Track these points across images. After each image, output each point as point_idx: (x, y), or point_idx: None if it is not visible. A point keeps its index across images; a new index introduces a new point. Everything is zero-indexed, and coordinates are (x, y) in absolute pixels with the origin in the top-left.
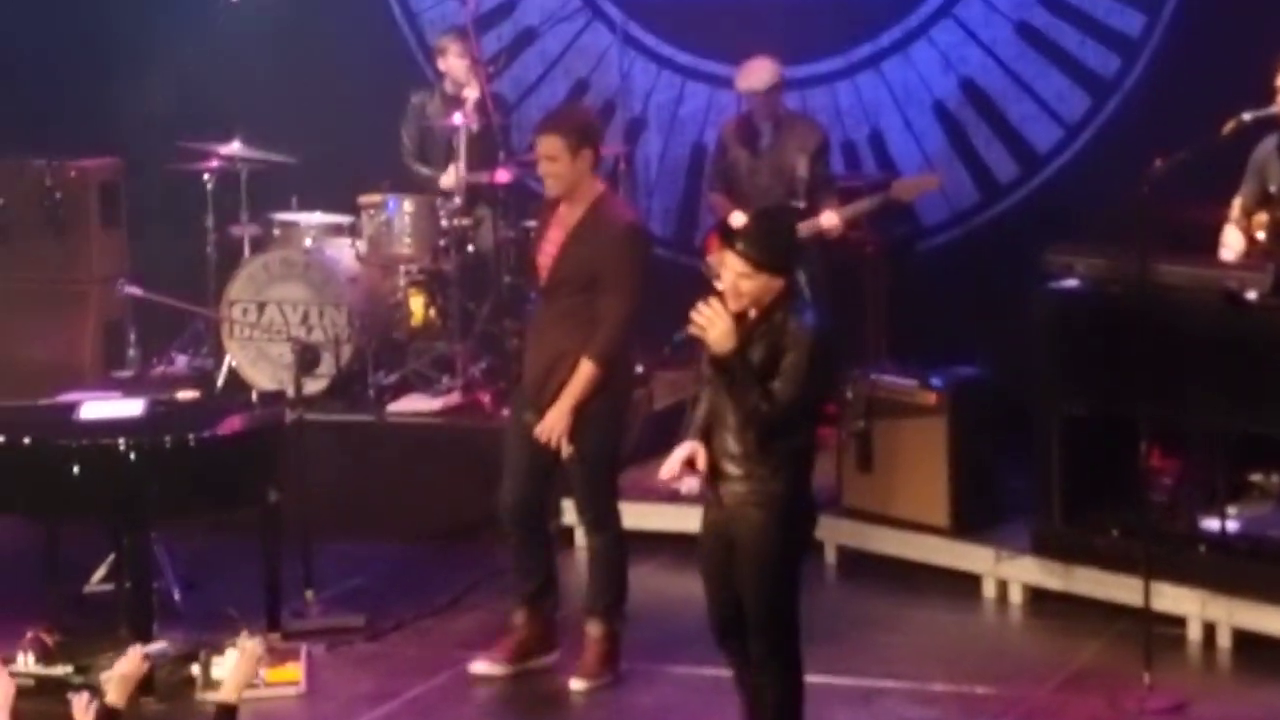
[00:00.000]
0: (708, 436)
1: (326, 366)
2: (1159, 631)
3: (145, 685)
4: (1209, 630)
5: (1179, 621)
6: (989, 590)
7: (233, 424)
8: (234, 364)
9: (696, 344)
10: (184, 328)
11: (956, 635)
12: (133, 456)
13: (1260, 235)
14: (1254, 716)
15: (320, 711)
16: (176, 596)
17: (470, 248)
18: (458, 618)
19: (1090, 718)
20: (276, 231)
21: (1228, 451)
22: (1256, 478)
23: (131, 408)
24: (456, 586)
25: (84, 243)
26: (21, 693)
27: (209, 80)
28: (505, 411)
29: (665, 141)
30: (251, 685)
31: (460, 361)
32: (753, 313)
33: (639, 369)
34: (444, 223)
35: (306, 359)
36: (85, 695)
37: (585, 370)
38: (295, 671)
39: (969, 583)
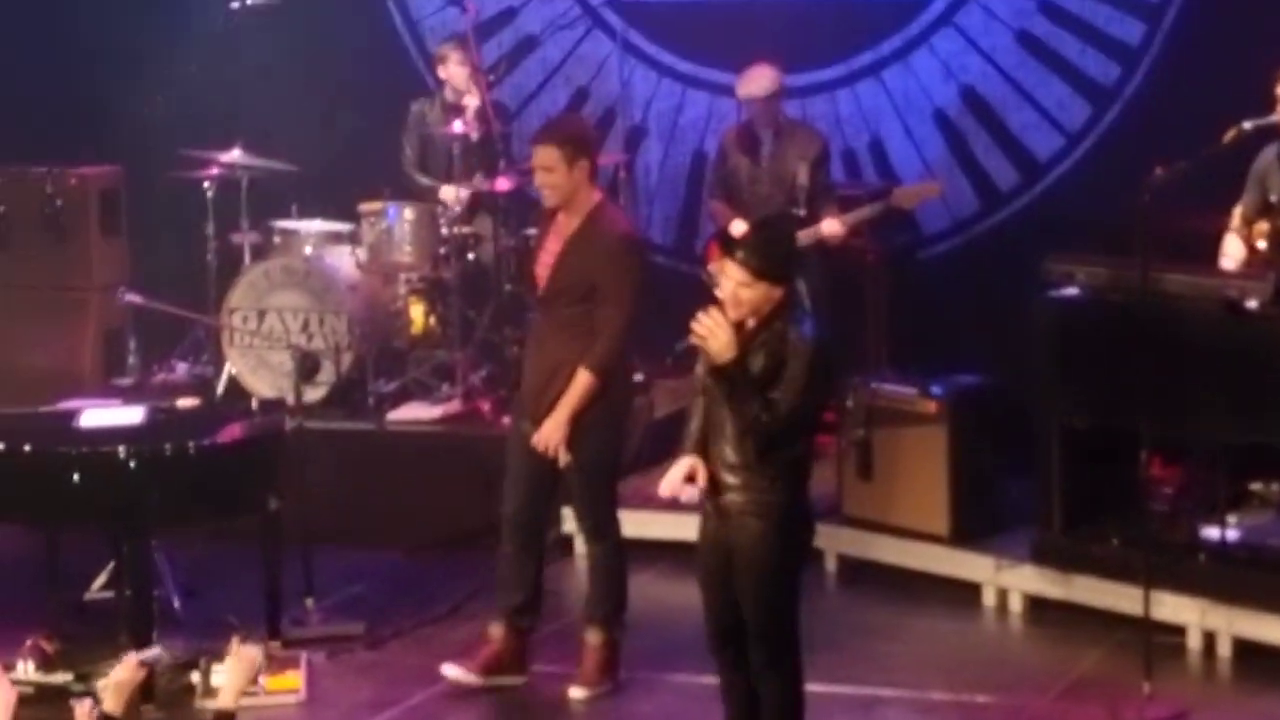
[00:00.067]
0: (704, 448)
1: (327, 374)
2: (1159, 640)
3: (146, 693)
4: (1209, 639)
5: (1179, 630)
6: (989, 599)
7: (233, 432)
8: (234, 372)
9: (693, 354)
10: (184, 335)
11: (956, 644)
12: (133, 464)
13: (1261, 244)
14: None
15: (320, 719)
16: (177, 604)
17: (471, 256)
18: (458, 626)
19: None
20: (277, 239)
21: (1228, 460)
22: (1256, 486)
23: (132, 415)
24: (456, 594)
25: (84, 250)
26: (22, 700)
27: (209, 88)
28: (506, 420)
29: (666, 149)
30: (251, 693)
31: (460, 369)
32: (751, 322)
33: (640, 377)
34: (444, 231)
35: (307, 367)
36: (88, 702)
37: (582, 380)
38: (295, 679)
39: (969, 591)
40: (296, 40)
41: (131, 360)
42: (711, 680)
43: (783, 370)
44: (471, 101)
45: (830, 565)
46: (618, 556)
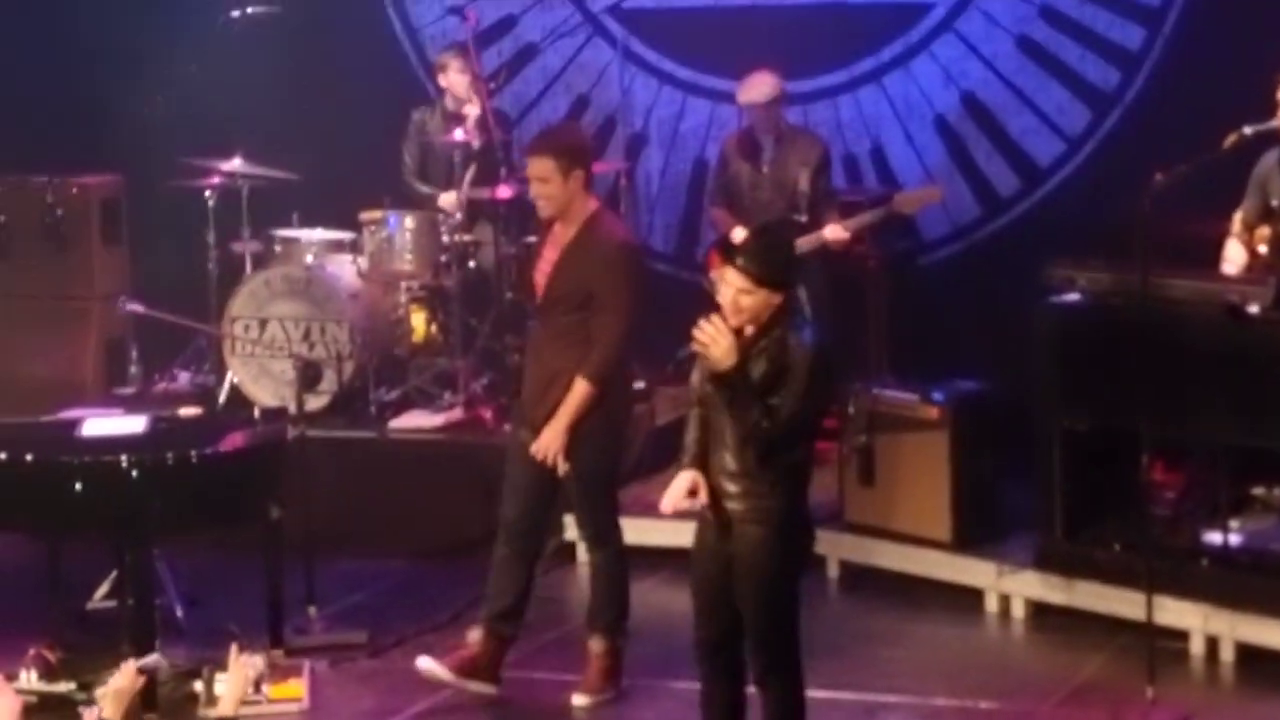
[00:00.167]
0: (704, 459)
1: (328, 383)
2: (1162, 646)
3: (148, 702)
4: (1212, 644)
5: (1182, 635)
6: (991, 605)
7: (235, 441)
8: (236, 380)
9: (694, 361)
10: (186, 344)
11: (959, 650)
12: (135, 473)
13: (1262, 249)
14: None
15: None
16: (179, 613)
17: (471, 264)
18: (460, 633)
19: None
20: (278, 248)
21: (1230, 465)
22: (1259, 491)
23: (133, 424)
24: (458, 602)
25: (85, 259)
26: (25, 709)
27: (210, 97)
28: (507, 427)
29: (666, 157)
30: (254, 702)
31: (462, 377)
32: (750, 329)
33: (641, 385)
34: (445, 239)
35: (308, 375)
36: (96, 710)
37: (580, 389)
38: (298, 688)
39: (971, 597)
40: (297, 49)
41: (133, 369)
42: None
43: (784, 377)
44: (472, 110)
45: (832, 571)
46: (619, 564)
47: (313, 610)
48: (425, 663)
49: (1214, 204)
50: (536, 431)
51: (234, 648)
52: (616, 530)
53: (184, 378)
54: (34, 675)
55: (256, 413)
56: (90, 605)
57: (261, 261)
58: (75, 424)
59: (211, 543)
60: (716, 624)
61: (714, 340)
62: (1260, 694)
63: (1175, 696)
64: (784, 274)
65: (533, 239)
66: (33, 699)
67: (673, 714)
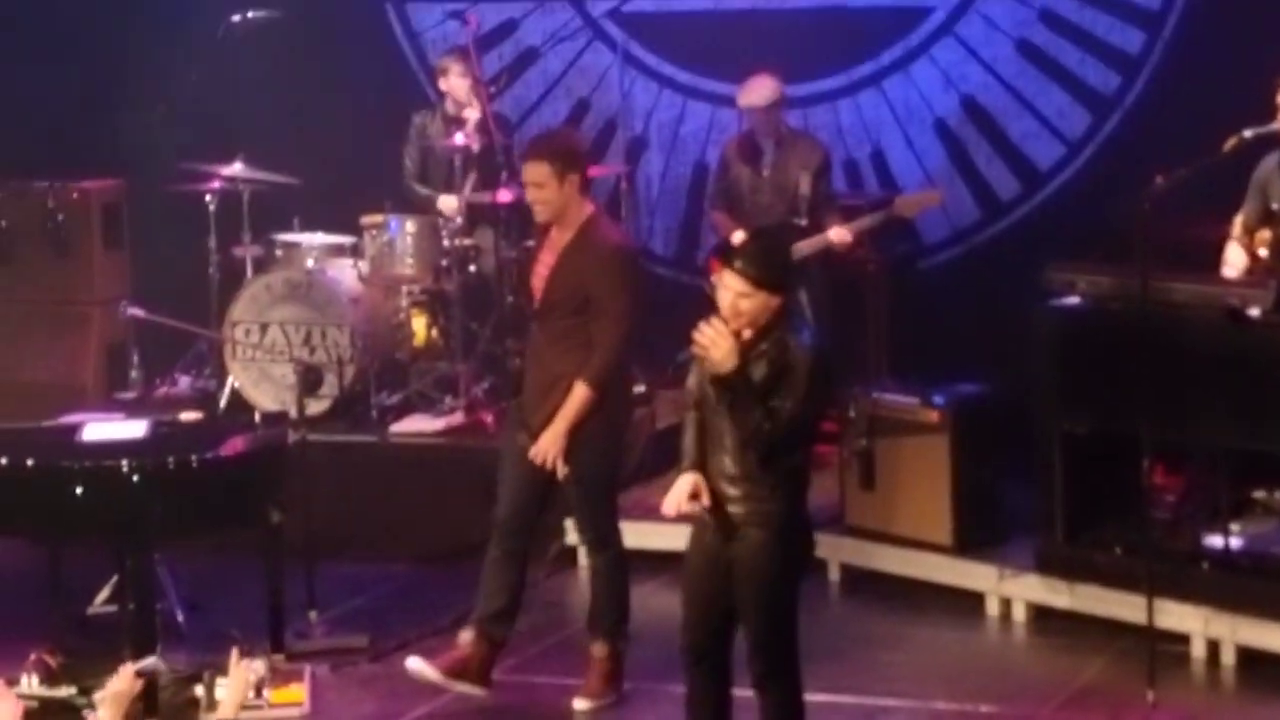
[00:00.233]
0: (702, 462)
1: (329, 387)
2: (1162, 649)
3: (148, 706)
4: (1213, 648)
5: (1182, 639)
6: (992, 608)
7: (235, 445)
8: (237, 385)
9: (688, 368)
10: (187, 349)
11: (959, 653)
12: (136, 478)
13: (1262, 252)
14: None
15: None
16: (180, 618)
17: (472, 268)
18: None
19: None
20: (279, 252)
21: (1230, 468)
22: (1259, 494)
23: (134, 429)
24: (460, 606)
25: (86, 264)
26: (26, 715)
27: (211, 101)
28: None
29: (667, 161)
30: (255, 706)
31: (463, 382)
32: (747, 333)
33: (642, 388)
34: (446, 243)
35: (309, 380)
36: (96, 714)
37: (580, 393)
38: (299, 692)
39: (972, 601)
40: (298, 54)
41: (134, 374)
42: None
43: (784, 379)
44: (472, 114)
45: (833, 575)
46: (619, 568)
47: (313, 615)
48: (414, 663)
49: (1214, 207)
50: (534, 435)
51: (235, 652)
52: (616, 534)
53: (185, 382)
54: (35, 680)
55: (257, 417)
56: (91, 610)
57: (262, 266)
58: (76, 429)
59: (212, 547)
60: (706, 628)
61: (714, 343)
62: (1261, 697)
63: (1176, 700)
64: (782, 276)
65: (532, 243)
66: (34, 704)
67: (674, 718)
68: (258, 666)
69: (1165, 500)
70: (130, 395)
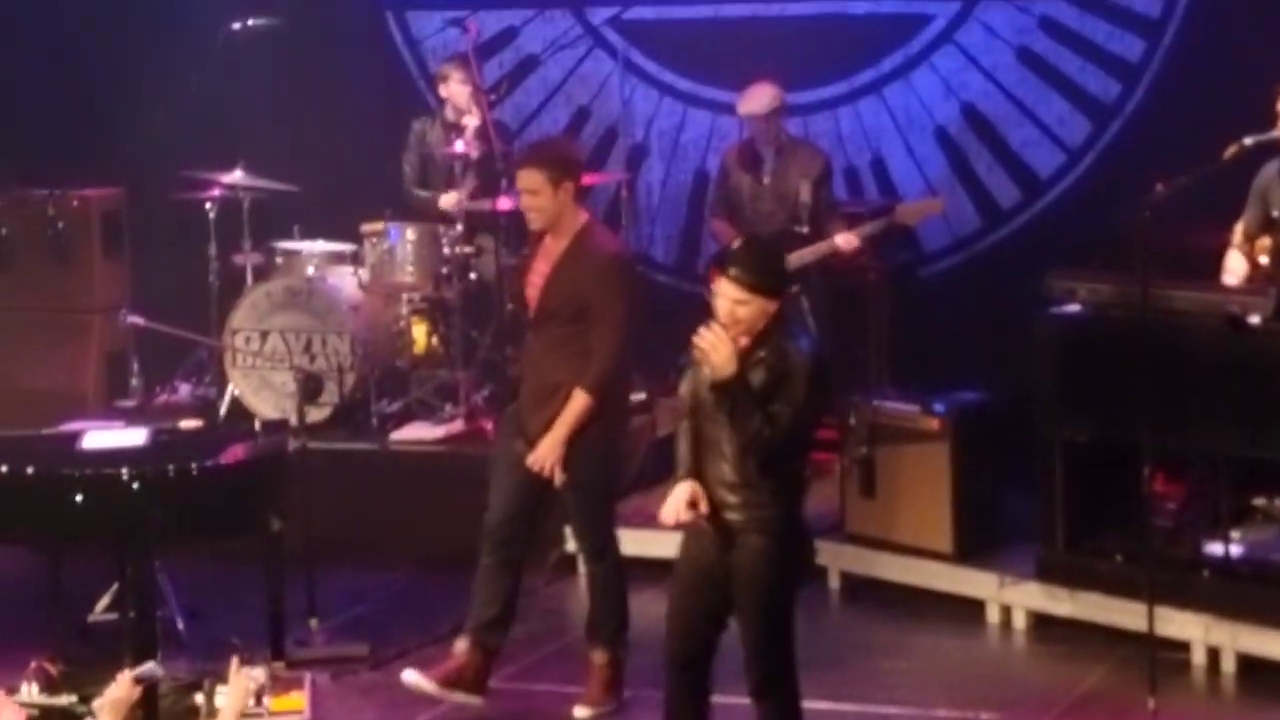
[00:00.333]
0: (699, 470)
1: (329, 395)
2: (1163, 657)
3: (149, 714)
4: (1213, 655)
5: (1183, 646)
6: (993, 616)
7: (236, 453)
8: (237, 393)
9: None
10: (187, 357)
11: (960, 661)
12: (136, 486)
13: (1263, 260)
14: None
15: None
16: (180, 625)
17: (472, 275)
18: None
19: None
20: (279, 260)
21: (1231, 476)
22: (1260, 502)
23: (134, 437)
24: (460, 614)
25: (86, 272)
26: None
27: (211, 109)
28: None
29: (667, 168)
30: (256, 714)
31: (463, 389)
32: (744, 340)
33: (642, 396)
34: (446, 250)
35: (309, 387)
36: None
37: (579, 400)
38: (299, 700)
39: (972, 608)
40: (298, 62)
41: (134, 382)
42: (717, 699)
43: (782, 385)
44: (471, 121)
45: (833, 583)
46: (617, 575)
47: (314, 622)
48: (410, 675)
49: (1214, 215)
50: (532, 443)
51: (235, 660)
52: (614, 541)
53: (185, 390)
54: (35, 688)
55: (257, 425)
56: (91, 618)
57: (262, 273)
58: (76, 436)
59: (213, 555)
60: (694, 637)
61: (714, 347)
62: (1262, 705)
63: (1177, 707)
64: (778, 281)
65: (526, 251)
66: (34, 712)
67: None
68: (258, 674)
69: (1166, 508)
70: (130, 403)
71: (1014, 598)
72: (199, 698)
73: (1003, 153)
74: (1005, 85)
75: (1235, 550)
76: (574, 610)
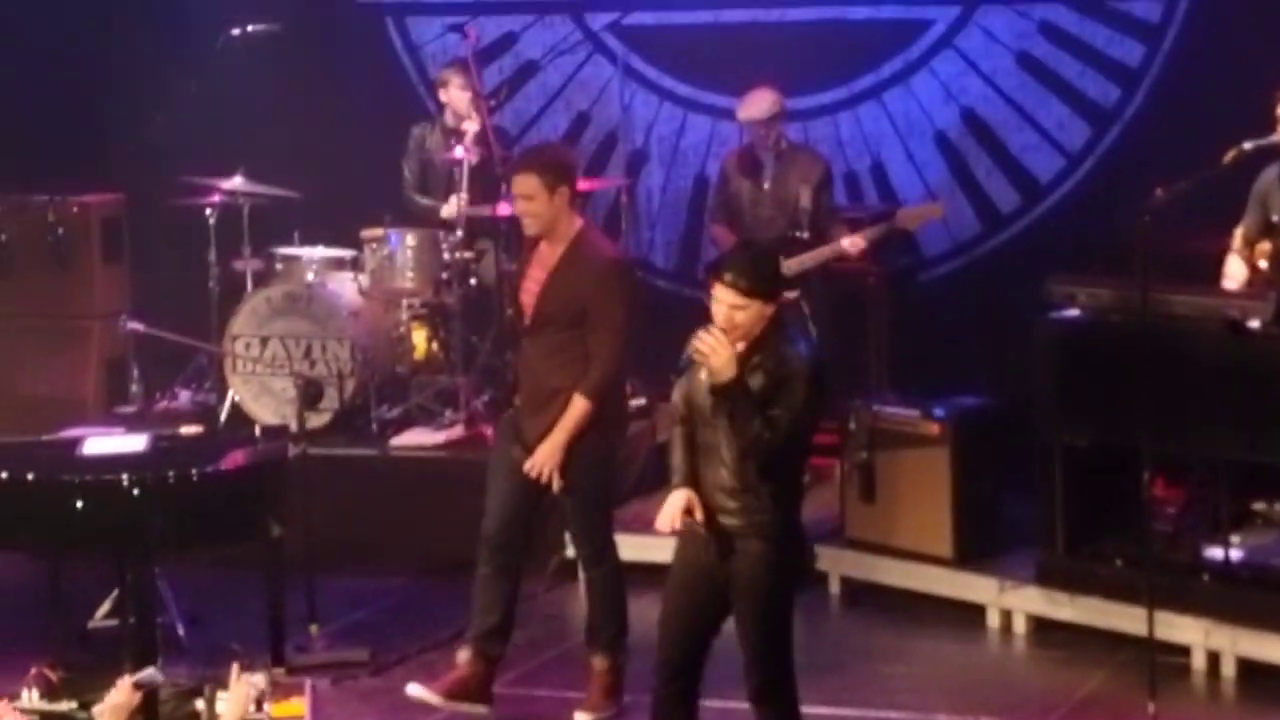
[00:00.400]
0: (694, 477)
1: (329, 401)
2: (1163, 661)
3: (149, 719)
4: (1213, 659)
5: (1183, 651)
6: (993, 620)
7: (236, 459)
8: (237, 399)
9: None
10: (187, 363)
11: (960, 665)
12: (136, 492)
13: (1263, 264)
14: None
15: None
16: (181, 631)
17: (473, 281)
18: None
19: None
20: (279, 266)
21: (1231, 480)
22: (1260, 506)
23: (134, 443)
24: (460, 620)
25: (86, 278)
26: None
27: (210, 115)
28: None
29: (667, 174)
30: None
31: (463, 394)
32: (740, 345)
33: (642, 401)
34: (446, 256)
35: (309, 393)
36: None
37: (579, 405)
38: (299, 706)
39: (973, 613)
40: (297, 67)
41: (134, 388)
42: (717, 704)
43: (781, 389)
44: (471, 126)
45: (834, 588)
46: (616, 580)
47: (314, 628)
48: (415, 689)
49: (1214, 219)
50: (529, 449)
51: (235, 666)
52: (612, 547)
53: (185, 396)
54: (35, 694)
55: (258, 431)
56: (92, 624)
57: (262, 279)
58: (76, 443)
59: (213, 561)
60: (687, 643)
61: (714, 350)
62: (1262, 709)
63: (1177, 712)
64: (773, 284)
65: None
66: (34, 718)
67: None
68: (258, 680)
69: (1166, 512)
70: (130, 409)
71: (1014, 602)
72: (199, 703)
73: (1002, 157)
74: (1005, 90)
75: (1235, 555)
76: (574, 616)
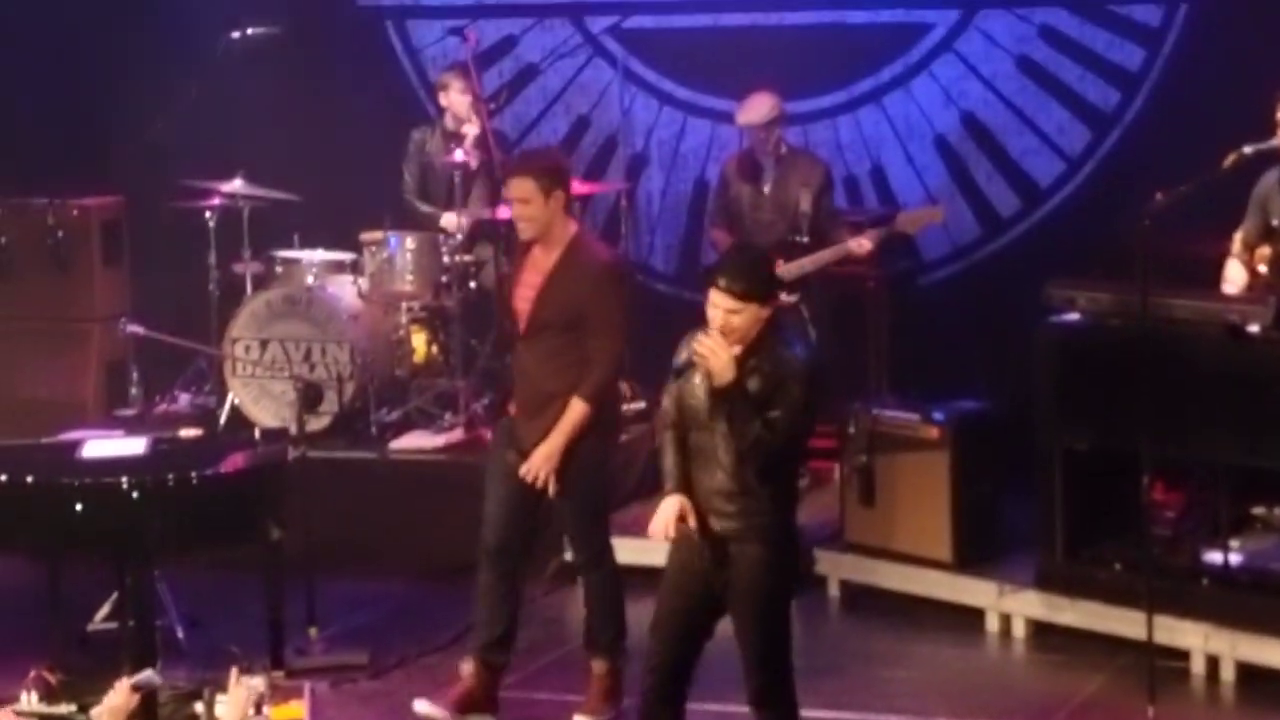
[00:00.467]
0: (687, 482)
1: (329, 404)
2: (1162, 665)
3: None
4: (1212, 664)
5: (1182, 655)
6: (992, 624)
7: (235, 462)
8: (237, 402)
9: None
10: (186, 366)
11: (960, 669)
12: (135, 495)
13: (1262, 269)
14: None
15: None
16: (180, 634)
17: (472, 284)
18: (461, 655)
19: None
20: (279, 269)
21: (1230, 485)
22: (1259, 511)
23: (134, 446)
24: (459, 623)
25: (86, 281)
26: None
27: (211, 118)
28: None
29: (667, 177)
30: None
31: (463, 398)
32: (737, 349)
33: (642, 405)
34: (446, 259)
35: (309, 396)
36: None
37: (577, 409)
38: (299, 709)
39: (972, 617)
40: (297, 70)
41: (134, 391)
42: (716, 707)
43: (779, 391)
44: (471, 130)
45: (833, 591)
46: (614, 584)
47: (313, 631)
48: (422, 706)
49: (1214, 223)
50: (526, 453)
51: (235, 669)
52: (609, 551)
53: (185, 399)
54: (34, 697)
55: (257, 434)
56: (91, 627)
57: (262, 282)
58: (76, 445)
59: (212, 564)
60: (678, 648)
61: (713, 353)
62: (1261, 714)
63: (1176, 716)
64: (768, 287)
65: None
66: None
67: None
68: (257, 683)
69: (1165, 516)
70: (130, 412)
71: (1013, 606)
72: (198, 707)
73: (1002, 161)
74: (1005, 94)
75: (1234, 559)
76: (573, 619)
